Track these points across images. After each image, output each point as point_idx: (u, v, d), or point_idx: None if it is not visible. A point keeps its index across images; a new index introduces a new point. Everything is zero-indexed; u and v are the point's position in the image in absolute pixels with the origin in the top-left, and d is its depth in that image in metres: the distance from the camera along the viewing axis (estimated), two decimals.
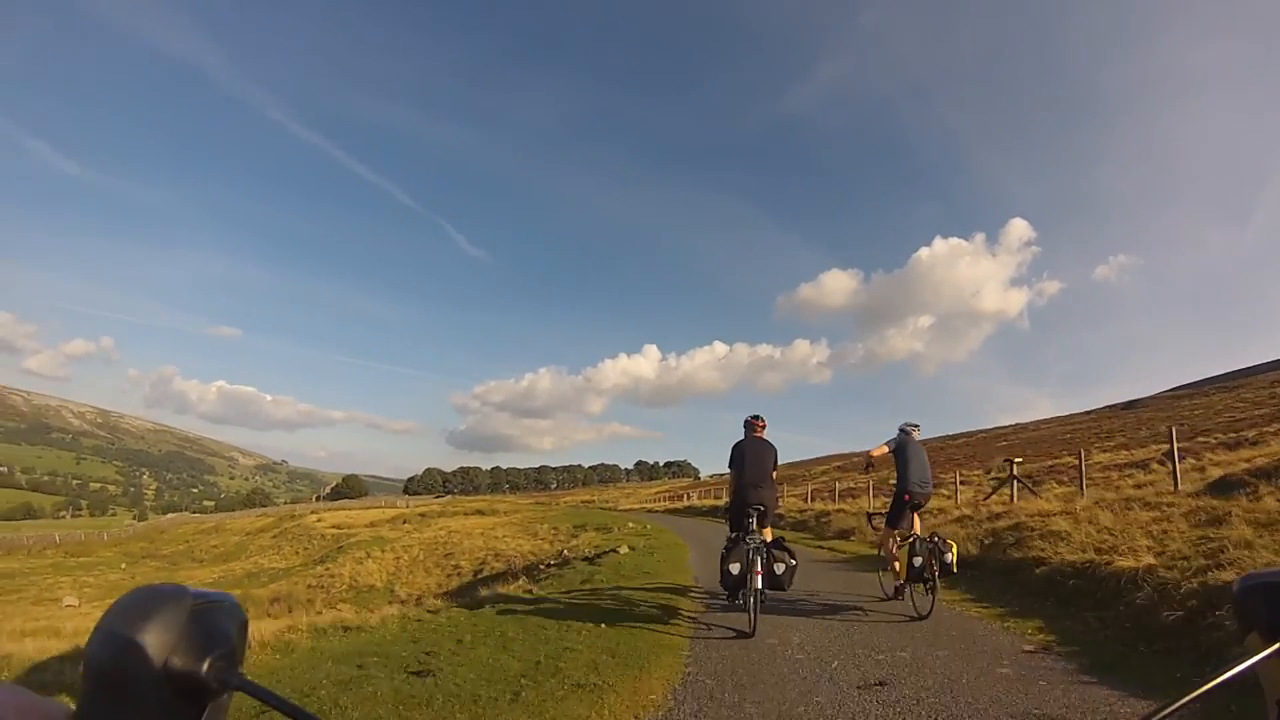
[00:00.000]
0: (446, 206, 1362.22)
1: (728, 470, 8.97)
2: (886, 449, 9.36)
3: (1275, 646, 0.79)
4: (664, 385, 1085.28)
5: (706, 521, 32.67)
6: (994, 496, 19.08)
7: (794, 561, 8.00)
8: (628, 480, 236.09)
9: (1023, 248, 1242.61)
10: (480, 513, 57.15)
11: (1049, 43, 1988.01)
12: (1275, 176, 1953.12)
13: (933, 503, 17.61)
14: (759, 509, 8.29)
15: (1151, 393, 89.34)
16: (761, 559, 7.67)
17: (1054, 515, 12.10)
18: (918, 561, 8.35)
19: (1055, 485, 21.15)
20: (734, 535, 8.21)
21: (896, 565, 9.13)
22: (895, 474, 9.48)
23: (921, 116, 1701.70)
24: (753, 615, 7.48)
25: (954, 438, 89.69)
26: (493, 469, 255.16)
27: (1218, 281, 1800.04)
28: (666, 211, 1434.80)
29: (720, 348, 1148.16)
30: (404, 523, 53.36)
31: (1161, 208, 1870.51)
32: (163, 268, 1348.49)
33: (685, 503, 60.38)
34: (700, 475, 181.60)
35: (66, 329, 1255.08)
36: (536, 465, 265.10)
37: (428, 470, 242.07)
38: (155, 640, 0.66)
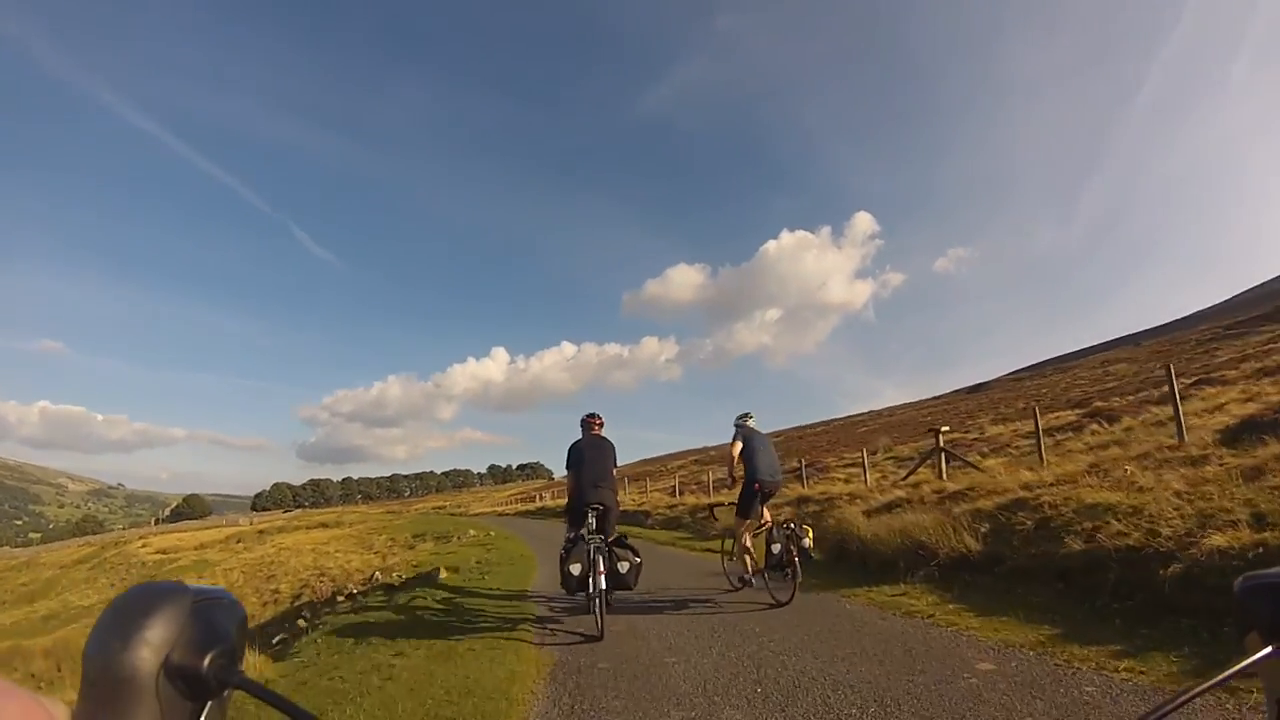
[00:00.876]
0: (294, 205, 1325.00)
1: (565, 471, 8.72)
2: (739, 446, 9.04)
3: (1275, 646, 0.79)
4: (514, 388, 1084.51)
5: (559, 523, 31.04)
6: (922, 471, 16.23)
7: (638, 559, 7.68)
8: (481, 484, 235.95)
9: (867, 241, 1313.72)
10: (324, 525, 55.52)
11: (895, 46, 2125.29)
12: (1098, 174, 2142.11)
13: (844, 486, 16.48)
14: (598, 508, 8.00)
15: (995, 376, 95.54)
16: (604, 558, 7.43)
17: (1078, 483, 9.14)
18: (776, 549, 8.21)
19: (980, 457, 19.34)
20: (572, 535, 7.91)
21: (750, 555, 8.92)
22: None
23: (774, 115, 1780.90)
24: (599, 617, 7.24)
25: (809, 426, 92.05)
26: (344, 480, 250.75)
27: (1046, 272, 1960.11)
28: (518, 212, 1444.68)
29: (569, 348, 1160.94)
30: (238, 542, 49.99)
31: (995, 204, 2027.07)
32: None
33: (538, 504, 58.70)
34: (554, 476, 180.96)
35: None
36: (389, 474, 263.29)
37: (276, 485, 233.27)
38: (155, 637, 0.66)
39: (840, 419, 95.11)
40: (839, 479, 22.87)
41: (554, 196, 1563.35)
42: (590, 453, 8.49)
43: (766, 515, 9.14)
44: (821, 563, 10.19)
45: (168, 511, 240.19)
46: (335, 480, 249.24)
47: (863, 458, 19.09)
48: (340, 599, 14.59)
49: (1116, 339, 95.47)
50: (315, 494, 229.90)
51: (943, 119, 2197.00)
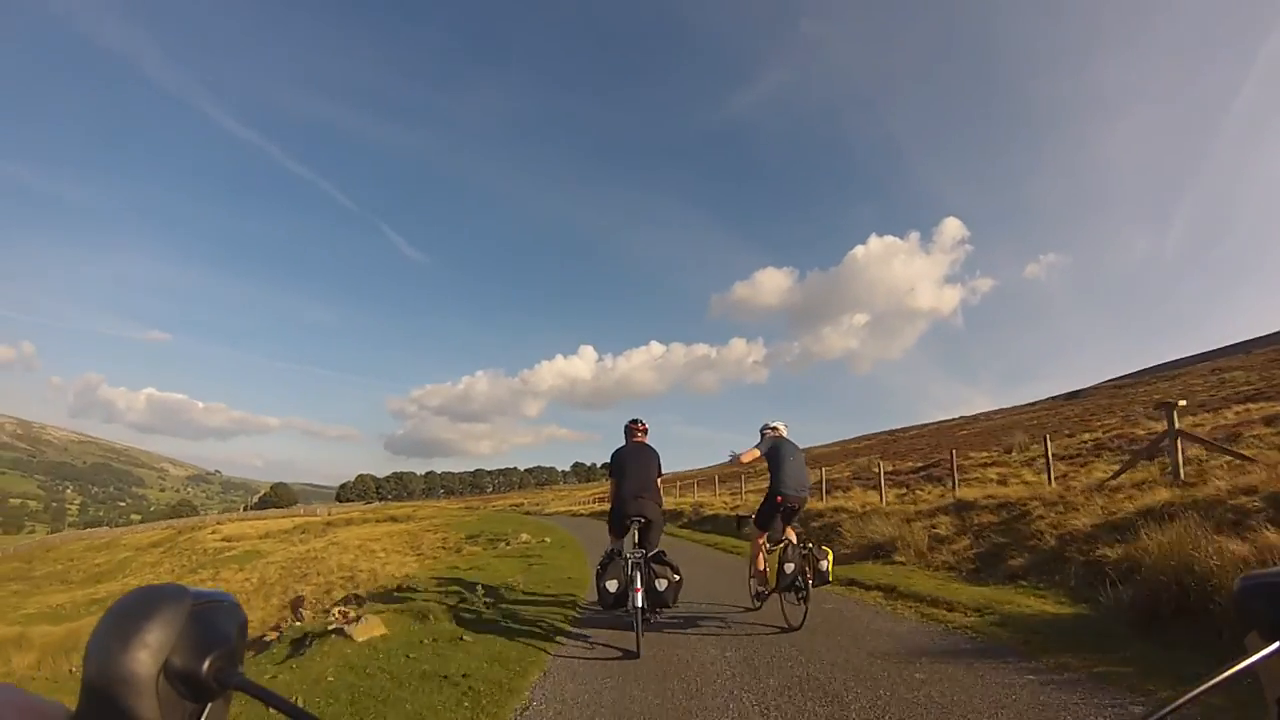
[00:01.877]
0: (385, 207, 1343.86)
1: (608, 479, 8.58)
2: (757, 451, 8.51)
3: (1275, 646, 0.79)
4: (600, 387, 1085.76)
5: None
6: (1139, 471, 11.84)
7: (678, 577, 7.36)
8: (564, 482, 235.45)
9: (956, 246, 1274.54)
10: (394, 519, 53.89)
11: (986, 54, 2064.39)
12: (1195, 183, 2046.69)
13: (1016, 489, 13.70)
14: (640, 520, 7.70)
15: (1089, 384, 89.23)
16: (641, 574, 7.08)
17: None
18: (789, 568, 7.72)
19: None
20: (611, 549, 7.56)
21: (762, 572, 8.63)
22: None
23: (860, 121, 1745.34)
24: (638, 635, 6.83)
25: (900, 430, 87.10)
26: (427, 474, 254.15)
27: (1140, 283, 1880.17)
28: (605, 212, 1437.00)
29: (657, 348, 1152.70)
30: (302, 533, 48.04)
31: (1088, 211, 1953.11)
32: (87, 269, 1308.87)
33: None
34: None
35: None
36: (473, 469, 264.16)
37: (360, 476, 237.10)
38: (155, 640, 0.67)
39: (932, 424, 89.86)
40: (990, 478, 19.07)
41: (641, 197, 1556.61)
42: (632, 462, 8.12)
43: (791, 534, 8.54)
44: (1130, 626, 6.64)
45: (256, 499, 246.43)
46: (418, 473, 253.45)
47: (1046, 452, 14.22)
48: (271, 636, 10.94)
49: (1223, 347, 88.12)
50: (398, 486, 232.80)
51: (1034, 125, 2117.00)
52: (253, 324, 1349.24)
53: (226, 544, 47.57)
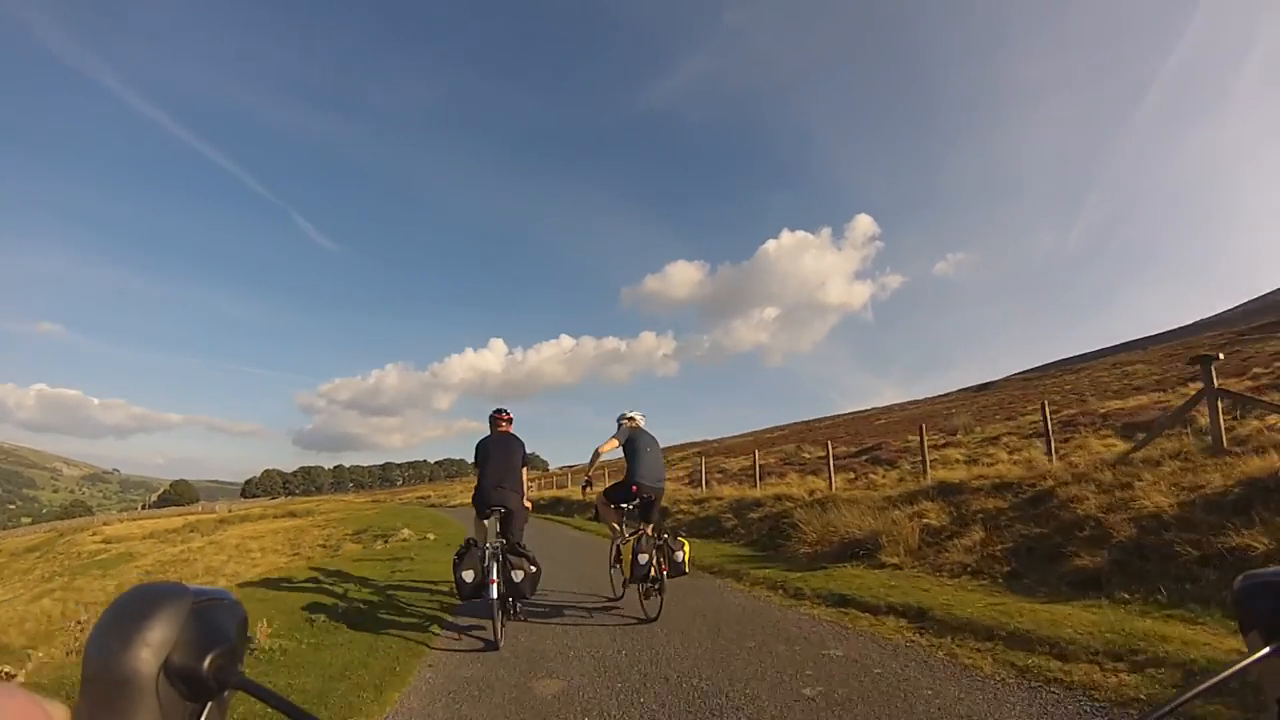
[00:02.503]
0: (295, 194, 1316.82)
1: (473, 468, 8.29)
2: (616, 441, 8.47)
3: (1275, 646, 0.80)
4: (511, 379, 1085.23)
5: (542, 521, 26.32)
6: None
7: (534, 568, 7.22)
8: (474, 474, 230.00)
9: (867, 243, 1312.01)
10: (292, 514, 51.12)
11: (900, 48, 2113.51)
12: (1099, 181, 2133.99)
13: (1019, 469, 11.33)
14: (500, 510, 7.58)
15: (1000, 376, 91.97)
16: (498, 565, 7.02)
17: None
18: (642, 559, 7.47)
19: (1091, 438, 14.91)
20: (469, 539, 7.42)
21: (623, 563, 8.12)
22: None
23: (778, 111, 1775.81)
24: (497, 625, 6.87)
25: (815, 421, 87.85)
26: (335, 468, 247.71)
27: (1045, 278, 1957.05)
28: (521, 201, 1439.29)
29: (567, 340, 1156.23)
30: (191, 531, 44.96)
31: (996, 208, 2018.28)
32: None
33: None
34: (550, 467, 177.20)
35: None
36: (382, 463, 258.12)
37: (266, 472, 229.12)
38: (155, 638, 0.66)
39: (846, 414, 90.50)
40: (954, 459, 17.10)
41: (555, 187, 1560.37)
42: (495, 451, 8.04)
43: (648, 526, 8.24)
44: None
45: (155, 497, 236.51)
46: (327, 468, 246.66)
47: (1046, 424, 12.21)
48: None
49: (1122, 344, 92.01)
50: (306, 481, 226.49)
51: (945, 122, 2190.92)
52: (153, 318, 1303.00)
53: (105, 546, 44.04)
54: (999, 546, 8.64)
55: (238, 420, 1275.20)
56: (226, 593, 0.77)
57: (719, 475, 27.94)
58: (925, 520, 10.10)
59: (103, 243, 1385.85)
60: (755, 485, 19.67)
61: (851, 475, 19.65)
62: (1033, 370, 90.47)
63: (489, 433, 8.43)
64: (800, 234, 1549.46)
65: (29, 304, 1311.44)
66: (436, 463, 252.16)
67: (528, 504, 8.27)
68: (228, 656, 0.72)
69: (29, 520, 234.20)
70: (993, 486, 10.41)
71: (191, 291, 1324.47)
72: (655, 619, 7.53)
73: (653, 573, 7.59)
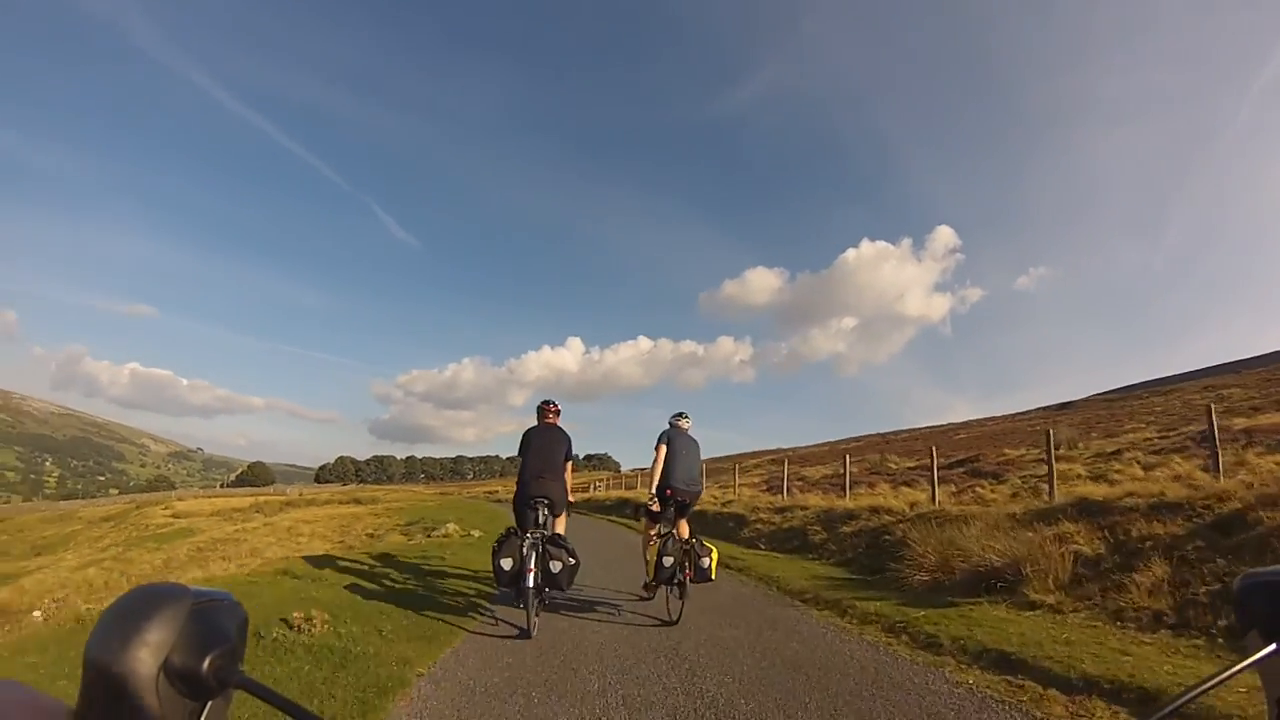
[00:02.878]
0: (378, 189, 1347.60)
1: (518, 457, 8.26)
2: (664, 449, 8.46)
3: (1275, 646, 0.80)
4: (587, 379, 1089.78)
5: (603, 521, 24.66)
6: None
7: (573, 561, 7.22)
8: None
9: (948, 254, 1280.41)
10: (357, 501, 51.39)
11: (983, 60, 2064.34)
12: (1186, 201, 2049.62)
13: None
14: (542, 501, 7.68)
15: (1080, 396, 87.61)
16: (536, 555, 7.07)
17: None
18: (667, 562, 7.63)
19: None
20: (510, 528, 7.39)
21: (648, 565, 8.31)
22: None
23: (856, 122, 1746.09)
24: (530, 615, 6.93)
25: (892, 434, 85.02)
26: (407, 458, 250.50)
27: (1128, 297, 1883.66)
28: (598, 204, 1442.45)
29: (645, 342, 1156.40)
30: (257, 512, 45.52)
31: (1079, 224, 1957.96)
32: (74, 240, 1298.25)
33: (589, 494, 50.99)
34: (621, 468, 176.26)
35: None
36: (454, 455, 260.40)
37: (340, 459, 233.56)
38: (155, 638, 0.67)
39: (922, 428, 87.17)
40: (1074, 474, 15.26)
41: (634, 190, 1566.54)
42: (538, 442, 8.06)
43: (684, 528, 8.51)
44: None
45: (234, 477, 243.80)
46: (399, 458, 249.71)
47: (1212, 433, 10.18)
48: None
49: (1212, 366, 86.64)
50: (378, 470, 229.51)
51: (1029, 135, 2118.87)
52: (240, 303, 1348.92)
53: (172, 520, 44.87)
54: (1202, 588, 6.47)
55: (316, 407, 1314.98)
56: (226, 594, 0.77)
57: (799, 483, 26.22)
58: (1074, 546, 8.02)
59: (196, 232, 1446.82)
60: (844, 494, 17.87)
61: (953, 488, 17.73)
62: (1116, 391, 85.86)
63: (535, 423, 8.42)
64: (880, 244, 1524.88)
65: (126, 286, 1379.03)
66: (509, 458, 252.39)
67: (571, 497, 8.43)
68: (228, 656, 0.71)
69: (116, 491, 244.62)
70: (1150, 507, 8.33)
71: (278, 281, 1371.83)
72: (676, 622, 7.50)
73: (677, 576, 7.71)
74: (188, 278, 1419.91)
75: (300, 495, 74.28)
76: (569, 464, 8.17)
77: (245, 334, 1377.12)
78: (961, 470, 22.36)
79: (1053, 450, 11.74)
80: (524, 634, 6.84)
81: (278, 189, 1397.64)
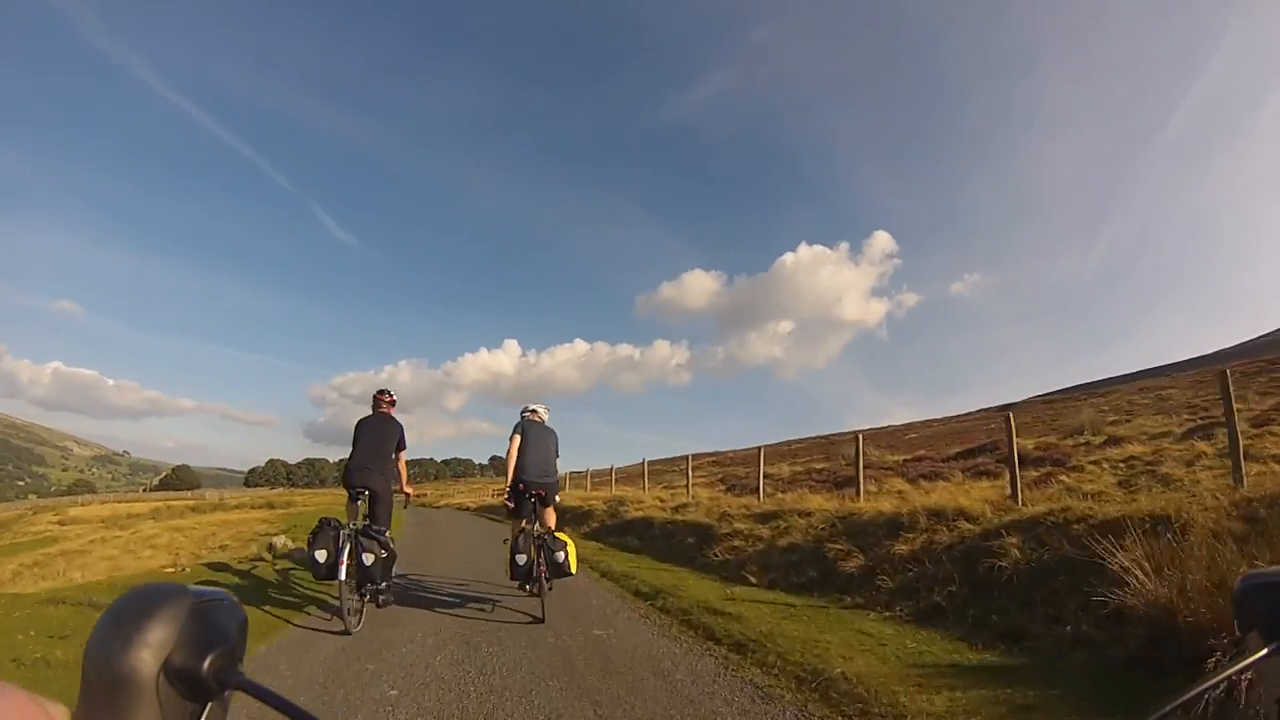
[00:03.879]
0: (317, 187, 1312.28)
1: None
2: (517, 440, 8.20)
3: (1275, 645, 0.79)
4: (524, 382, 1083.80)
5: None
6: None
7: (384, 553, 7.17)
8: (481, 475, 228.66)
9: (885, 259, 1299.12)
10: (270, 505, 49.00)
11: (926, 68, 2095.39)
12: (1120, 207, 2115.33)
13: None
14: (362, 492, 7.60)
15: (1020, 399, 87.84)
16: (351, 547, 6.95)
17: None
18: (520, 559, 7.45)
19: None
20: (324, 519, 7.28)
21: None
22: None
23: (800, 127, 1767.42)
24: (344, 609, 6.75)
25: (836, 435, 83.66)
26: (339, 461, 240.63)
27: (1063, 302, 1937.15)
28: (540, 205, 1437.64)
29: (581, 345, 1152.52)
30: (152, 518, 42.12)
31: (1014, 231, 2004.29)
32: None
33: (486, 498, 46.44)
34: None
35: None
36: None
37: (270, 462, 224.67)
38: (155, 639, 0.66)
39: (870, 429, 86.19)
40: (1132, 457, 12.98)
41: (575, 193, 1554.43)
42: (368, 431, 7.95)
43: (551, 519, 8.32)
44: None
45: (157, 480, 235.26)
46: (332, 461, 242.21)
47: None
48: None
49: (1148, 369, 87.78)
50: (310, 473, 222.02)
51: (967, 142, 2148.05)
52: (172, 303, 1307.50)
53: (56, 526, 41.62)
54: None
55: (251, 410, 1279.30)
56: (226, 593, 0.77)
57: (771, 483, 20.44)
58: None
59: (124, 228, 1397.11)
60: (852, 492, 12.52)
61: (981, 478, 14.41)
62: (1056, 393, 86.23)
63: (369, 413, 8.29)
64: (818, 248, 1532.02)
65: (48, 281, 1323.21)
66: (443, 461, 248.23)
67: (409, 490, 8.44)
68: (228, 656, 0.71)
69: (34, 497, 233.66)
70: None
71: (211, 280, 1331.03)
72: (542, 620, 7.28)
73: (533, 572, 7.45)
74: (115, 276, 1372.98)
75: (221, 500, 70.67)
76: (401, 455, 8.12)
77: (175, 334, 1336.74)
78: (985, 458, 19.08)
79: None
80: (343, 631, 6.69)
81: (214, 186, 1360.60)
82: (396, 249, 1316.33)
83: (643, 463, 27.93)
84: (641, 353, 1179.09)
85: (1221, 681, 0.78)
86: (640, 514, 17.54)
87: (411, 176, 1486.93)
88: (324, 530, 7.00)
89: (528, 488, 8.00)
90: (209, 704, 0.69)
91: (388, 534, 7.47)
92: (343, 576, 6.76)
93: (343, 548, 6.83)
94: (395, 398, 8.38)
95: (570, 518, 19.73)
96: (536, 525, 7.95)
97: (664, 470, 50.65)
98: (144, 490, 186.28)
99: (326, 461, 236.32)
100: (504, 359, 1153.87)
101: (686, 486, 20.50)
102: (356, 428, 7.96)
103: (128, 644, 0.64)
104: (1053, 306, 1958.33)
